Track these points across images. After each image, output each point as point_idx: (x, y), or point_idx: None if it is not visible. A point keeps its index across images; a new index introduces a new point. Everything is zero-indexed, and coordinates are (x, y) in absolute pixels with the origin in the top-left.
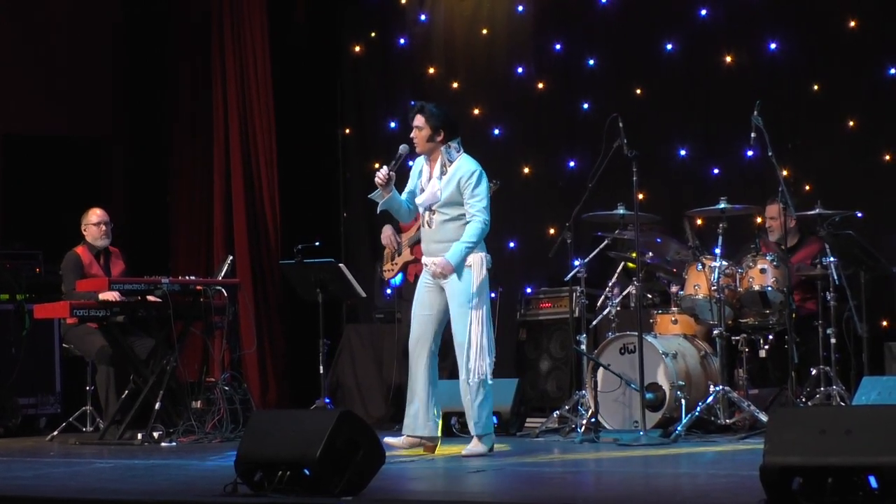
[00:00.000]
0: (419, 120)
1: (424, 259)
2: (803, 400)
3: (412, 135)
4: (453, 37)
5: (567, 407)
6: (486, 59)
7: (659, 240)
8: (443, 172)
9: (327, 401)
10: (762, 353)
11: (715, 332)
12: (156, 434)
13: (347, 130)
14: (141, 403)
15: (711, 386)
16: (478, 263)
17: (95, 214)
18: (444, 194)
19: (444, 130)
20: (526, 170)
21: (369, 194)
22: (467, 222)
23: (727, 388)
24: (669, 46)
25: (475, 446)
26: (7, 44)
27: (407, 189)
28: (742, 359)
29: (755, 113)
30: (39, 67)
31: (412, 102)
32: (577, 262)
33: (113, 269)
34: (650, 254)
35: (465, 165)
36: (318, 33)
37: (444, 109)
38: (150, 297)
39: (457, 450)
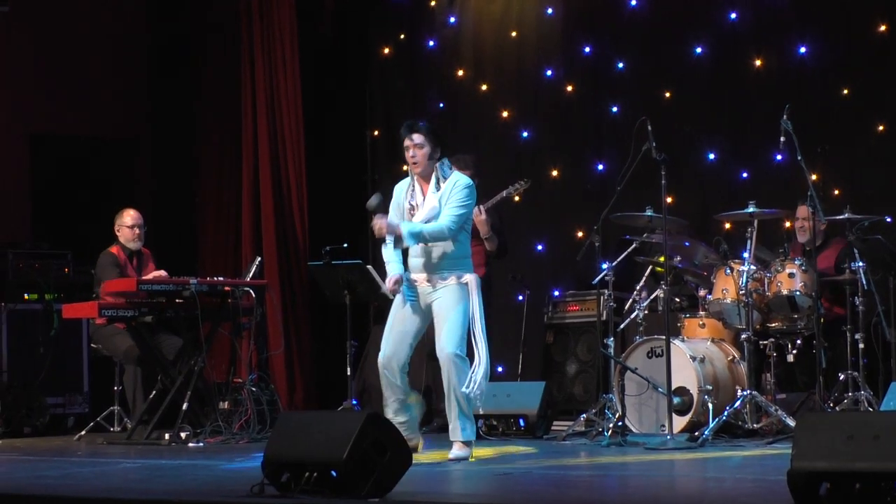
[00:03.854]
0: (419, 137)
1: (416, 276)
2: (831, 405)
3: (410, 153)
4: (482, 39)
5: (594, 410)
6: (515, 61)
7: (687, 243)
8: (438, 188)
9: (354, 402)
10: (790, 358)
11: (743, 336)
12: (183, 434)
13: (376, 132)
14: (168, 404)
15: (739, 390)
16: (473, 285)
17: (130, 216)
18: (442, 207)
19: (441, 147)
20: (554, 172)
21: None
22: (465, 239)
23: (755, 392)
24: (699, 50)
25: (462, 450)
26: (35, 45)
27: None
28: (770, 363)
29: (784, 117)
30: (67, 68)
31: (420, 121)
32: (604, 266)
33: (145, 272)
34: (678, 257)
35: (460, 179)
36: (347, 35)
37: (440, 129)
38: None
39: (482, 452)
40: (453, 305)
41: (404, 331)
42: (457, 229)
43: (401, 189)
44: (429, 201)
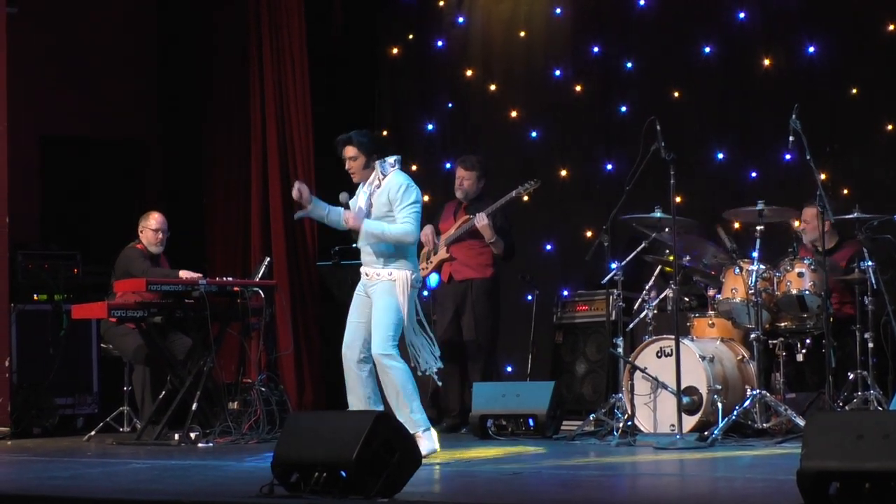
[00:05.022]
0: (351, 151)
1: (362, 269)
2: (840, 404)
3: (347, 166)
4: (491, 39)
5: (603, 410)
6: (524, 61)
7: (695, 252)
8: (377, 186)
9: None
10: (799, 357)
11: (752, 335)
12: (192, 435)
13: (385, 132)
14: (178, 404)
15: (748, 390)
16: (402, 280)
17: (155, 220)
18: (376, 205)
19: (377, 154)
20: (563, 172)
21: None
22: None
23: (764, 391)
24: (707, 49)
25: (427, 445)
26: (44, 46)
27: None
28: (779, 363)
29: (793, 116)
30: (77, 69)
31: (340, 137)
32: (613, 265)
33: None
34: (687, 257)
35: (396, 179)
36: (356, 35)
37: (370, 135)
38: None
39: (492, 452)
40: (381, 303)
41: (358, 321)
42: (416, 228)
43: (360, 187)
44: (360, 199)
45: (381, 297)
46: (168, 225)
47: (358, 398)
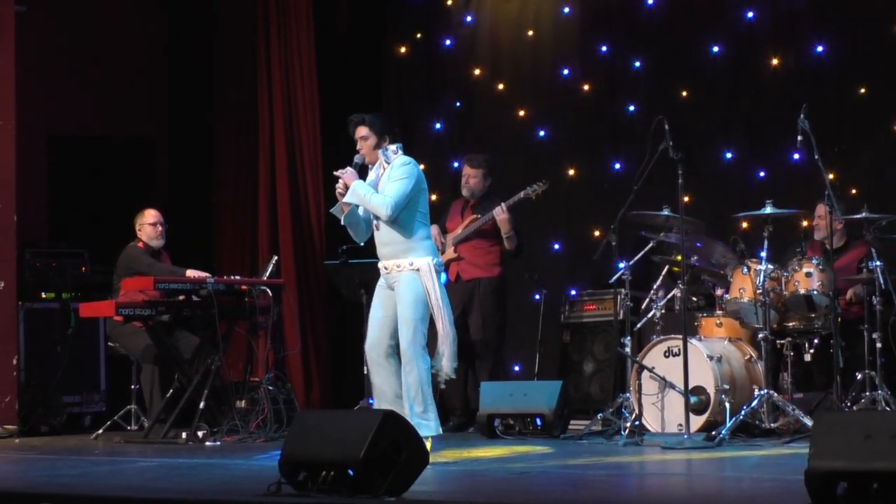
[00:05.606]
0: (363, 130)
1: (380, 263)
2: (848, 404)
3: (358, 146)
4: (499, 38)
5: (611, 409)
6: (532, 60)
7: (699, 244)
8: (382, 173)
9: (371, 401)
10: (807, 357)
11: (760, 335)
12: (200, 433)
13: None
14: (185, 402)
15: (756, 389)
16: (425, 267)
17: (151, 215)
18: (380, 191)
19: (388, 136)
20: (571, 172)
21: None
22: (414, 223)
23: (772, 391)
24: (716, 49)
25: None
26: (51, 45)
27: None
28: (787, 363)
29: (801, 116)
30: (84, 68)
31: (351, 117)
32: (621, 265)
33: None
34: (695, 257)
35: (400, 159)
36: (363, 34)
37: (384, 117)
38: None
39: (499, 451)
40: (407, 296)
41: (384, 315)
42: (395, 202)
43: (369, 172)
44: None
45: (406, 290)
46: (165, 218)
47: (387, 400)
